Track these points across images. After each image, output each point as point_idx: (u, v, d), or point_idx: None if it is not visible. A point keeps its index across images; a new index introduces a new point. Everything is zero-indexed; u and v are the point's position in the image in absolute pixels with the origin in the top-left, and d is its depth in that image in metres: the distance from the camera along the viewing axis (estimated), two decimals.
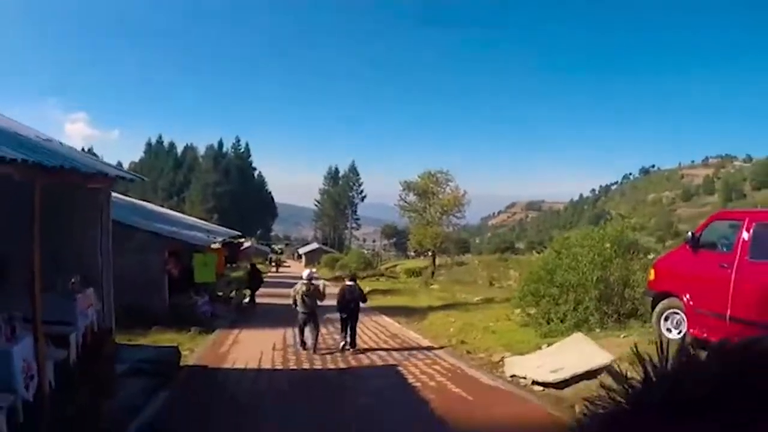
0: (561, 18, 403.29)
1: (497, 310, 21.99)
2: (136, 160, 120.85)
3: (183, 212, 52.62)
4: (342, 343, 16.23)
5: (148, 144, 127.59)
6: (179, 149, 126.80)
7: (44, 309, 8.30)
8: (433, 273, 55.42)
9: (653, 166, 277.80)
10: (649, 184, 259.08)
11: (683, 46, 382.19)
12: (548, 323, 15.36)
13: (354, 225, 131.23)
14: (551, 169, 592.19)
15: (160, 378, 11.13)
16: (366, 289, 35.98)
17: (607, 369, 9.97)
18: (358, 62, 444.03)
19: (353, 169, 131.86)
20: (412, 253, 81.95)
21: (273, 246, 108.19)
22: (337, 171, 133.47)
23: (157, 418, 9.12)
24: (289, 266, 77.99)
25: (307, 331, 16.12)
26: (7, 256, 9.60)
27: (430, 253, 60.50)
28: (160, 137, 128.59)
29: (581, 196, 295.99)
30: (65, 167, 8.15)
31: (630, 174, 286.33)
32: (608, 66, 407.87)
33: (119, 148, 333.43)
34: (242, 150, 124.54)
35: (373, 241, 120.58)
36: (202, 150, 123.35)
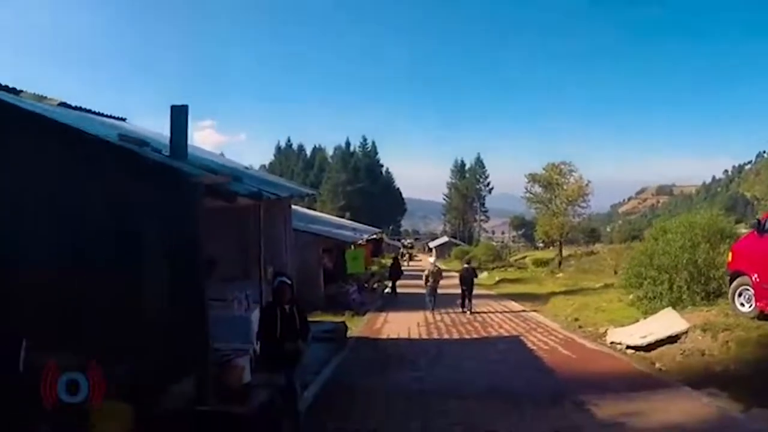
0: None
1: (612, 294, 24.56)
2: (266, 163, 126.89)
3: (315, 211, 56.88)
4: (462, 309, 23.18)
5: (278, 147, 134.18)
6: (308, 151, 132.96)
7: (254, 292, 12.22)
8: (560, 263, 57.03)
9: None
10: None
11: None
12: (650, 301, 17.87)
13: (483, 217, 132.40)
14: (681, 150, 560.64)
15: (337, 343, 15.01)
16: (495, 279, 39.90)
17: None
18: (481, 56, 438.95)
19: (479, 162, 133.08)
20: (541, 244, 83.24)
21: (403, 241, 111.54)
22: (463, 164, 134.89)
23: (341, 368, 12.88)
24: (420, 260, 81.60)
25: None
26: (215, 256, 13.45)
27: (557, 244, 62.05)
28: (289, 140, 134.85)
29: (713, 177, 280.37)
30: (280, 195, 11.91)
31: (765, 151, 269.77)
32: (737, 31, 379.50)
33: (247, 150, 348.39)
34: (369, 148, 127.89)
35: (502, 233, 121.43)
36: (330, 151, 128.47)
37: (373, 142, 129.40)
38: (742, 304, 13.58)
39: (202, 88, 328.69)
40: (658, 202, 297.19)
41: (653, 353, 13.22)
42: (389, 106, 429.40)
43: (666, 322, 14.20)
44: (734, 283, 13.96)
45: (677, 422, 8.34)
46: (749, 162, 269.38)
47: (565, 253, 61.83)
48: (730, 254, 14.58)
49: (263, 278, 12.40)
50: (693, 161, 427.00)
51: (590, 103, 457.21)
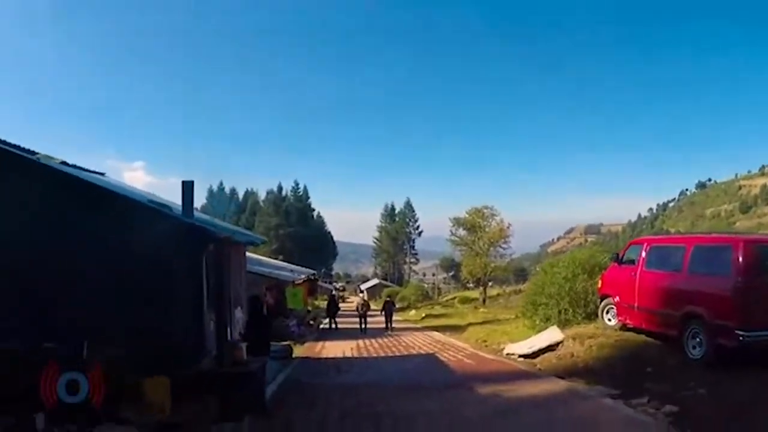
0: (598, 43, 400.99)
1: (521, 322, 28.18)
2: (198, 206, 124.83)
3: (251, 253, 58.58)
4: (386, 328, 32.58)
5: (210, 190, 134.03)
6: (240, 194, 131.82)
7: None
8: (484, 300, 60.61)
9: (710, 180, 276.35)
10: (706, 198, 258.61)
11: (731, 54, 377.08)
12: (544, 324, 21.29)
13: (413, 260, 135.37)
14: (608, 191, 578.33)
15: (284, 360, 18.12)
16: (422, 315, 43.55)
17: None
18: (411, 97, 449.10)
19: (409, 206, 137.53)
20: (471, 285, 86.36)
21: (334, 284, 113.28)
22: (393, 208, 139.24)
23: (291, 375, 16.01)
24: (351, 301, 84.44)
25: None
26: None
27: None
28: (221, 184, 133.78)
29: (639, 215, 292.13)
30: (257, 243, 15.04)
31: (687, 189, 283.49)
32: (654, 81, 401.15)
33: (178, 192, 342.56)
34: (301, 193, 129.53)
35: (433, 275, 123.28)
36: (262, 195, 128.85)
37: (305, 187, 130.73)
38: (609, 320, 16.92)
39: (133, 129, 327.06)
40: (586, 240, 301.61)
41: (537, 359, 16.64)
42: (321, 151, 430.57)
43: (549, 335, 17.72)
44: (602, 304, 17.39)
45: (537, 394, 11.86)
46: (673, 200, 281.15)
47: (494, 292, 65.41)
48: (600, 281, 18.12)
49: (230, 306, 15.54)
50: (620, 201, 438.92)
51: (523, 145, 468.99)
